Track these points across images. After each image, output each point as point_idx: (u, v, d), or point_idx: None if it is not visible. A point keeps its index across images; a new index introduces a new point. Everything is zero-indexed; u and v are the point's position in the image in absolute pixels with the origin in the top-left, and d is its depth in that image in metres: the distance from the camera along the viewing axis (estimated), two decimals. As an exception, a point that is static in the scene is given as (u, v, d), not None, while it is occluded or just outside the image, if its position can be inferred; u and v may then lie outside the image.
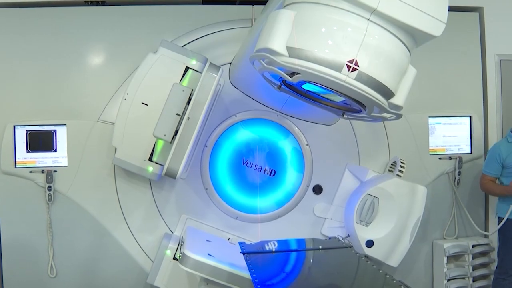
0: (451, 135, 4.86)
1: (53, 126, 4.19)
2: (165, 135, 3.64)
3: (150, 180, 4.22)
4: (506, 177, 4.30)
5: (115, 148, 3.91)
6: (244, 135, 4.39)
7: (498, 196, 4.42)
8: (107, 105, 4.21)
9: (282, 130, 4.42)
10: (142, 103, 3.86)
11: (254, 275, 2.60)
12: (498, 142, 4.47)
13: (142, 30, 4.28)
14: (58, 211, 4.19)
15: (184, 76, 3.93)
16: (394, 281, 2.51)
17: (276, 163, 4.41)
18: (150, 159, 3.91)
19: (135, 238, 4.28)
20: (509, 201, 4.25)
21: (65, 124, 4.18)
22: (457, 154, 4.85)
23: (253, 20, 4.12)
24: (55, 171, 4.16)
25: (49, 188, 4.12)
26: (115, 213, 4.25)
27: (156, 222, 4.31)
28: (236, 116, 4.33)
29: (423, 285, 4.86)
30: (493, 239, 4.97)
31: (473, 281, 4.74)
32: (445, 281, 4.66)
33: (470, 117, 4.90)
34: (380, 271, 2.69)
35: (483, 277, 4.80)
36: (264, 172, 4.38)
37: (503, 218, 4.29)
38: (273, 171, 4.39)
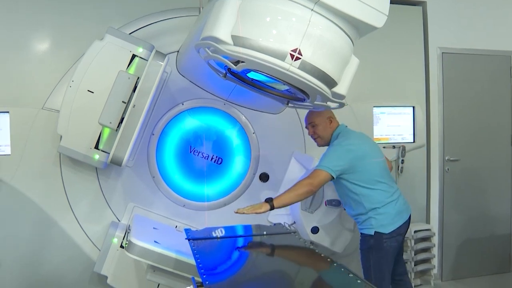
0: (395, 124, 5.01)
1: (-6, 113, 4.09)
2: (110, 122, 3.62)
3: (96, 168, 4.17)
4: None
5: (60, 136, 3.84)
6: (191, 123, 4.39)
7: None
8: (52, 92, 4.12)
9: (229, 118, 4.45)
10: (88, 90, 3.81)
11: (198, 260, 2.61)
12: None
13: (89, 16, 4.21)
14: (0, 200, 4.08)
15: (131, 64, 3.89)
16: (335, 264, 2.58)
17: (223, 151, 4.44)
18: (96, 147, 3.86)
19: (81, 227, 4.23)
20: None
21: (7, 112, 4.07)
22: (401, 143, 5.02)
23: (201, 8, 4.11)
24: (-3, 159, 4.06)
25: (-9, 177, 4.03)
26: (61, 203, 4.19)
27: (103, 210, 4.27)
28: (183, 104, 4.33)
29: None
30: (433, 224, 5.18)
31: (415, 265, 4.89)
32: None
33: (413, 107, 5.07)
34: (322, 255, 2.75)
35: (424, 261, 4.96)
36: (211, 160, 4.40)
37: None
38: (220, 159, 4.42)
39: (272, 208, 3.26)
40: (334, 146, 3.57)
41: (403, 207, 3.56)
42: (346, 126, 3.75)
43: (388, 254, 3.49)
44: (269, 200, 3.29)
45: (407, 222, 3.58)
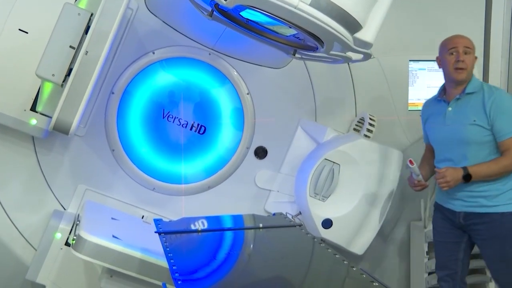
0: (438, 85, 4.98)
1: None
2: (53, 75, 3.58)
3: (33, 137, 4.21)
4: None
5: (-19, 94, 3.85)
6: (165, 79, 4.43)
7: None
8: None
9: (216, 73, 4.48)
10: (20, 29, 3.82)
11: (172, 260, 2.63)
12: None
13: None
14: None
15: (82, -5, 3.88)
16: (354, 269, 2.61)
17: (206, 118, 4.49)
18: (33, 108, 3.88)
19: (9, 218, 4.26)
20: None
21: None
22: (446, 110, 5.00)
23: None
24: None
25: None
26: (-19, 184, 4.22)
27: (42, 195, 4.32)
28: (154, 53, 4.35)
29: (397, 279, 5.02)
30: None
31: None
32: (426, 275, 4.70)
33: (465, 62, 5.03)
34: (337, 256, 2.78)
35: (474, 271, 4.87)
36: (191, 129, 4.45)
37: None
38: (202, 128, 4.47)
39: (468, 178, 3.53)
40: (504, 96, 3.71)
41: None
42: None
43: None
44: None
45: None
